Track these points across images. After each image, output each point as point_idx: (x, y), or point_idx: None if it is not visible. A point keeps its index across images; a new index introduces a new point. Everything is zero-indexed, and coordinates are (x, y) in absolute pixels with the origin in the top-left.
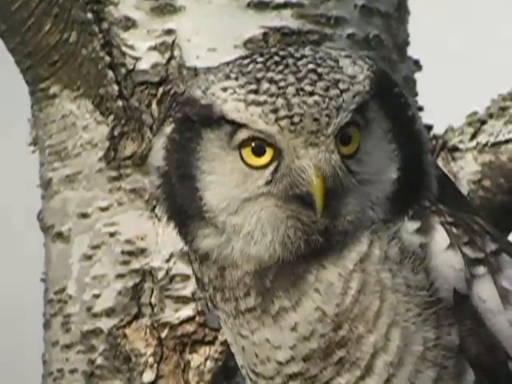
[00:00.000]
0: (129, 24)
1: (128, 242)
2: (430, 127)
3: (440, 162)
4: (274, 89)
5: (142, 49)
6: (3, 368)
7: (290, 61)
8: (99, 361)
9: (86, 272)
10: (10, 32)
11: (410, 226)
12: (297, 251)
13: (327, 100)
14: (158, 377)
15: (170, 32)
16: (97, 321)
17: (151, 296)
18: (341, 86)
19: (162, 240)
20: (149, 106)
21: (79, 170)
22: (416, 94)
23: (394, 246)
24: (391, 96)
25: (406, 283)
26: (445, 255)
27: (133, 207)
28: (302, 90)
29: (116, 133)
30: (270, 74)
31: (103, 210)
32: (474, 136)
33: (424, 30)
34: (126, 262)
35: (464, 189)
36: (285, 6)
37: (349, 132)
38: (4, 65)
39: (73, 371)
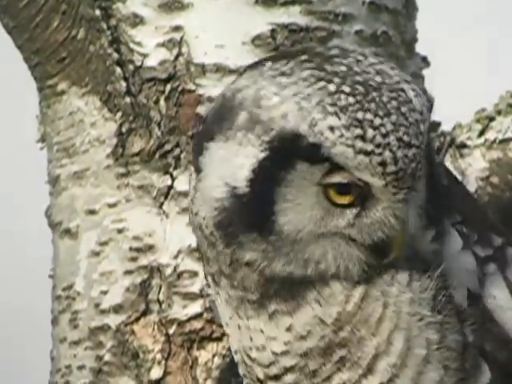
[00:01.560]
0: (137, 21)
1: (136, 238)
2: (438, 124)
3: (448, 159)
4: (379, 138)
5: (149, 45)
6: (11, 364)
7: (375, 94)
8: (107, 357)
9: (93, 268)
10: (18, 29)
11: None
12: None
13: (420, 151)
14: (166, 373)
15: (177, 29)
16: (105, 317)
17: (159, 292)
18: (421, 128)
19: (170, 236)
20: (157, 102)
21: (87, 166)
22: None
23: (403, 272)
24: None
25: (410, 300)
26: (459, 258)
27: (141, 204)
28: (401, 140)
29: (124, 129)
30: (368, 116)
31: (111, 206)
32: (482, 133)
33: (432, 27)
34: (133, 259)
35: (472, 186)
36: (293, 2)
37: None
38: (12, 62)
39: (81, 367)
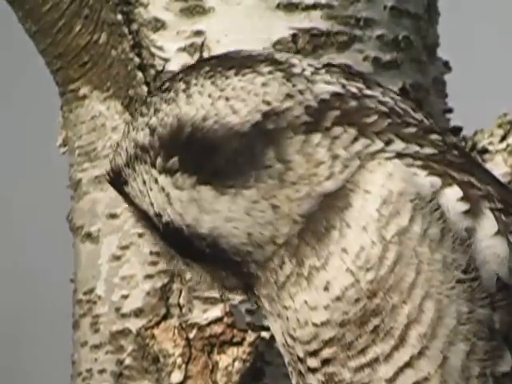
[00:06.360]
0: (158, 25)
1: None
2: (459, 129)
3: None
4: None
5: (171, 50)
6: (31, 367)
7: None
8: (128, 361)
9: (114, 272)
10: (40, 33)
11: (458, 206)
12: None
13: None
14: (187, 377)
15: (199, 33)
16: (125, 321)
17: (179, 297)
18: None
19: None
20: None
21: None
22: (445, 96)
23: (436, 226)
24: None
25: (443, 260)
26: (490, 242)
27: None
28: None
29: None
30: None
31: None
32: (503, 138)
33: (454, 31)
34: (154, 263)
35: None
36: (314, 7)
37: None
38: (34, 66)
39: (101, 371)
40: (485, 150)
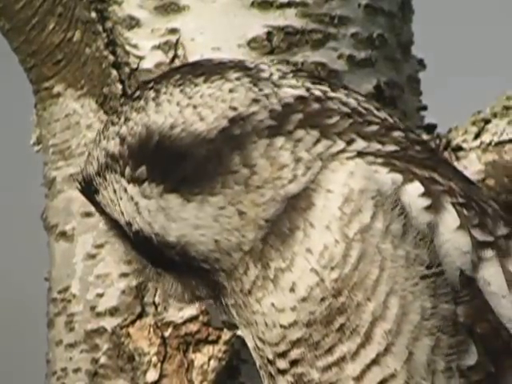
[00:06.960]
0: (133, 23)
1: None
2: (433, 126)
3: None
4: None
5: (145, 48)
6: (7, 367)
7: None
8: (103, 360)
9: (89, 271)
10: (13, 31)
11: (419, 202)
12: None
13: None
14: (162, 376)
15: (173, 31)
16: (100, 320)
17: (155, 295)
18: None
19: None
20: None
21: None
22: (420, 94)
23: (398, 222)
24: None
25: (406, 255)
26: (452, 236)
27: None
28: None
29: None
30: None
31: None
32: (477, 135)
33: (428, 29)
34: (129, 261)
35: None
36: (289, 5)
37: None
38: (7, 64)
39: (76, 370)
40: (459, 148)
